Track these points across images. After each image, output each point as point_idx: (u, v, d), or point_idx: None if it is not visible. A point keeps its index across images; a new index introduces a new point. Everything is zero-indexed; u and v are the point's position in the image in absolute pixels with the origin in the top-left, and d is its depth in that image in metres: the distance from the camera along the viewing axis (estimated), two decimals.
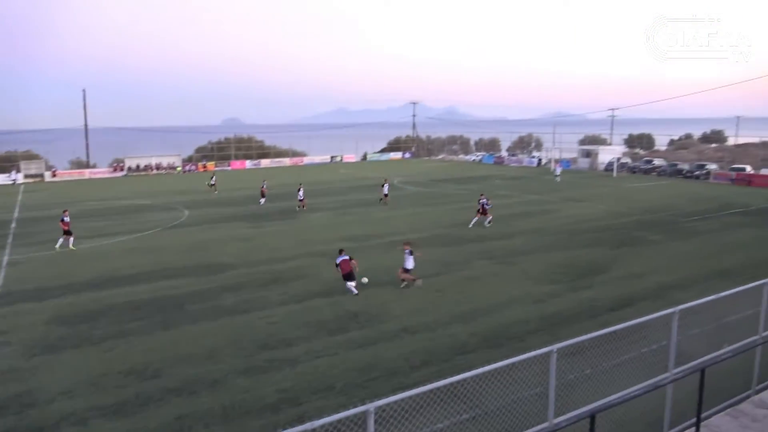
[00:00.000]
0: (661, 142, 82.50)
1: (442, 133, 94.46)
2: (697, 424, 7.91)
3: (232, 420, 10.82)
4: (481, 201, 30.14)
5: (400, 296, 18.00)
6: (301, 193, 35.94)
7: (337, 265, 18.07)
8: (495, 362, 6.92)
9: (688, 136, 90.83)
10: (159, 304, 17.64)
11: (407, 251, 18.89)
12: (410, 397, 6.12)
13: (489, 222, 29.21)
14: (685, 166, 55.14)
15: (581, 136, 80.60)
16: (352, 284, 18.06)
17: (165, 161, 66.85)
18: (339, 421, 5.54)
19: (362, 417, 5.62)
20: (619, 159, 59.57)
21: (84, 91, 67.72)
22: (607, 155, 62.60)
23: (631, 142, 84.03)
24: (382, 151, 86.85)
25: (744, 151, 66.19)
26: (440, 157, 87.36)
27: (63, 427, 10.60)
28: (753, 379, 9.61)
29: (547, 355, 7.15)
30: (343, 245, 24.78)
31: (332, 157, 78.04)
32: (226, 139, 78.69)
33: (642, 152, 77.07)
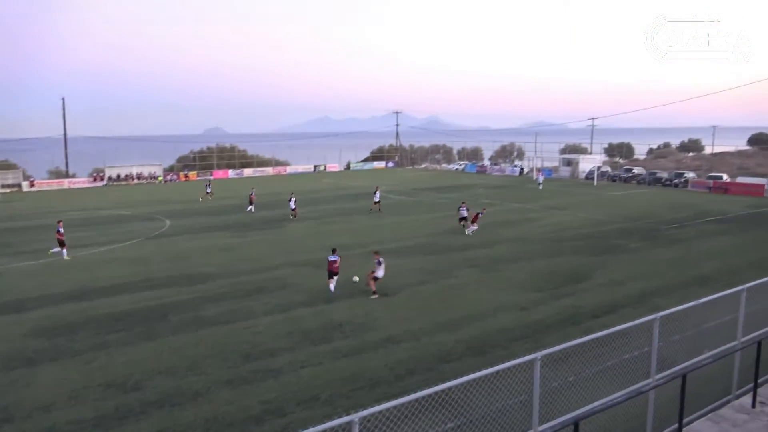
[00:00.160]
0: (640, 151, 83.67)
1: (425, 143, 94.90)
2: (679, 430, 8.00)
3: None
4: (461, 210, 30.51)
5: (384, 305, 17.98)
6: (292, 202, 35.95)
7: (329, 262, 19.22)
8: (480, 370, 6.92)
9: (667, 145, 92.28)
10: (140, 315, 17.39)
11: (378, 260, 18.96)
12: (395, 407, 6.10)
13: (471, 231, 29.37)
14: (664, 175, 56.06)
15: (562, 145, 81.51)
16: (332, 284, 19.06)
17: (146, 171, 66.16)
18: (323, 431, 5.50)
19: (347, 427, 5.59)
20: (599, 168, 60.40)
21: (63, 99, 66.93)
22: (587, 164, 63.45)
23: (611, 150, 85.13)
24: (366, 160, 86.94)
25: (720, 159, 67.50)
26: (423, 166, 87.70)
27: None
28: (733, 384, 9.74)
29: (532, 362, 7.18)
30: (326, 254, 24.73)
31: (315, 167, 77.92)
32: (208, 148, 78.16)
33: (622, 161, 78.11)
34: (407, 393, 6.45)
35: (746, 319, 9.96)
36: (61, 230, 25.74)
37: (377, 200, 37.63)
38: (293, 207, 35.72)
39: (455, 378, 6.75)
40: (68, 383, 12.71)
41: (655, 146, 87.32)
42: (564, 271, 21.84)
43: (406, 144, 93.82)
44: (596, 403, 7.86)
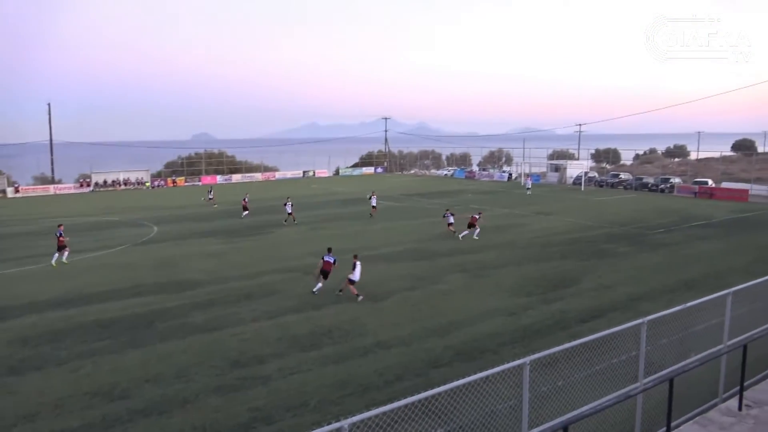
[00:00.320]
0: (626, 157, 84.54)
1: (414, 148, 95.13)
2: None
3: None
4: (446, 216, 30.76)
5: (373, 311, 17.94)
6: (288, 206, 35.97)
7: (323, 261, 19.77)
8: (469, 375, 6.92)
9: (653, 151, 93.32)
10: (127, 322, 17.21)
11: (354, 263, 19.16)
12: (384, 413, 6.08)
13: (463, 235, 29.51)
14: (651, 180, 56.64)
15: (550, 151, 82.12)
16: (320, 283, 19.69)
17: (133, 177, 65.70)
18: None
19: None
20: (586, 173, 60.89)
21: (49, 105, 66.32)
22: (575, 169, 63.96)
23: (598, 156, 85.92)
24: (355, 166, 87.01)
25: (705, 165, 68.34)
26: (412, 172, 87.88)
27: None
28: (719, 387, 9.82)
29: (520, 367, 7.19)
30: (315, 260, 24.64)
31: (304, 172, 77.83)
32: (196, 154, 77.82)
33: (608, 166, 78.83)
34: (397, 399, 6.43)
35: (732, 323, 10.06)
36: (62, 233, 25.71)
37: (374, 205, 38.31)
38: (290, 211, 35.79)
39: (445, 383, 6.74)
40: (53, 392, 12.54)
41: (641, 152, 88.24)
42: (552, 275, 21.95)
43: (394, 150, 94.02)
44: (585, 408, 7.89)
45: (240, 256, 26.65)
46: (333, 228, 33.90)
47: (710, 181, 53.20)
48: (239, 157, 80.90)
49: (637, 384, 8.67)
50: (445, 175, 79.28)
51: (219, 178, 70.93)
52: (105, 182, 63.71)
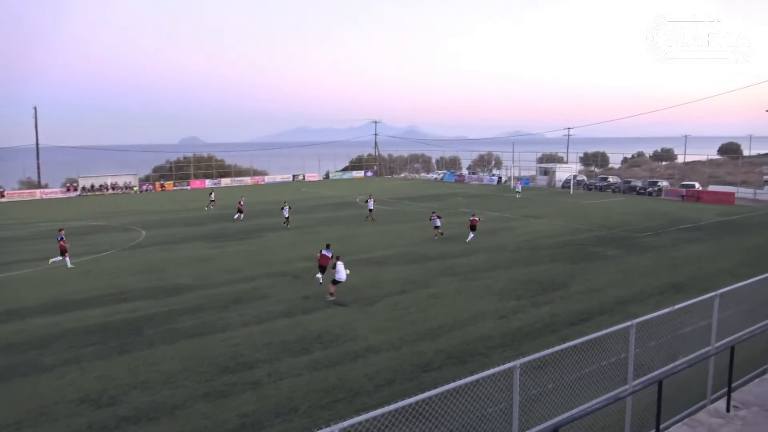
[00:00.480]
0: (614, 160, 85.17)
1: (404, 152, 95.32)
2: None
3: None
4: (433, 218, 30.88)
5: (363, 315, 17.92)
6: (286, 210, 36.04)
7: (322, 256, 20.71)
8: (460, 379, 6.93)
9: (640, 154, 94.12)
10: (115, 328, 17.05)
11: (335, 264, 19.40)
12: (375, 418, 6.06)
13: (470, 239, 29.76)
14: (639, 183, 57.12)
15: (539, 155, 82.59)
16: (320, 276, 20.89)
17: (121, 181, 65.21)
18: None
19: None
20: (575, 176, 61.27)
21: (35, 108, 65.72)
22: (564, 173, 64.35)
23: (587, 160, 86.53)
24: (345, 169, 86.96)
25: (692, 168, 69.01)
26: (402, 175, 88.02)
27: None
28: (708, 389, 9.90)
29: (511, 370, 7.21)
30: (306, 264, 24.67)
31: (294, 176, 77.67)
32: (184, 157, 77.38)
33: (597, 170, 79.41)
34: (388, 403, 6.42)
35: (719, 325, 10.15)
36: (63, 237, 25.80)
37: (371, 208, 38.49)
38: (287, 215, 35.85)
39: (435, 387, 6.74)
40: (39, 399, 12.38)
41: (629, 155, 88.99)
42: (542, 279, 22.05)
43: (384, 153, 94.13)
44: (575, 410, 7.92)
45: (230, 260, 26.51)
46: (323, 232, 33.82)
47: (697, 184, 53.77)
48: (228, 161, 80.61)
49: (627, 386, 8.71)
50: (435, 178, 79.46)
51: (208, 182, 70.59)
52: (92, 186, 63.18)
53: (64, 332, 16.71)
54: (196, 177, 71.97)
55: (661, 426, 8.24)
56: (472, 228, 30.03)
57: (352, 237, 32.20)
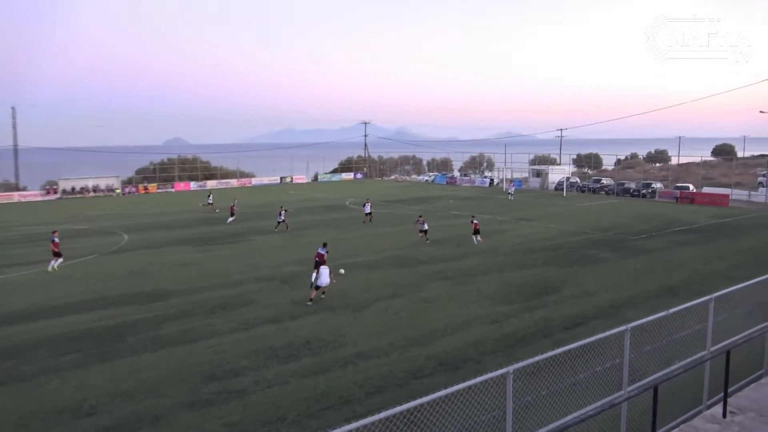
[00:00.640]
0: (608, 162, 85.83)
1: (394, 154, 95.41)
2: None
3: None
4: (419, 222, 30.98)
5: (353, 320, 17.86)
6: (282, 214, 35.98)
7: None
8: (452, 385, 6.91)
9: (634, 156, 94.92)
10: (96, 335, 16.87)
11: (324, 269, 19.78)
12: (365, 426, 6.03)
13: (478, 241, 29.94)
14: (632, 185, 57.54)
15: (531, 156, 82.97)
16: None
17: (103, 183, 64.70)
18: None
19: None
20: (568, 178, 61.63)
21: (13, 108, 65.08)
22: (557, 175, 64.70)
23: (580, 161, 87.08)
24: (334, 171, 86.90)
25: (686, 170, 69.73)
26: (392, 177, 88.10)
27: None
28: (703, 394, 9.96)
29: (504, 376, 7.20)
30: (293, 269, 24.60)
31: (282, 178, 77.47)
32: (169, 159, 76.92)
33: (590, 172, 79.95)
34: (378, 411, 6.39)
35: (715, 329, 10.22)
36: (57, 240, 25.85)
37: (368, 212, 38.67)
38: (282, 218, 35.86)
39: (427, 394, 6.71)
40: (17, 409, 12.20)
41: (622, 157, 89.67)
42: (535, 282, 22.11)
43: (374, 155, 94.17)
44: (569, 417, 7.93)
45: (216, 264, 26.35)
46: (312, 235, 33.70)
47: (691, 186, 54.26)
48: (214, 163, 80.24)
49: (622, 392, 8.74)
50: (426, 180, 79.59)
51: (193, 185, 70.24)
52: (73, 189, 62.62)
53: (43, 340, 16.50)
54: (181, 179, 71.57)
55: None
56: (477, 232, 30.10)
57: (341, 240, 32.13)
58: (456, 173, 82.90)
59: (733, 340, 10.53)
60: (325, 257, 21.69)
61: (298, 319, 17.98)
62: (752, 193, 52.32)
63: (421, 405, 6.56)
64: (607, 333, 8.59)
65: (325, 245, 22.43)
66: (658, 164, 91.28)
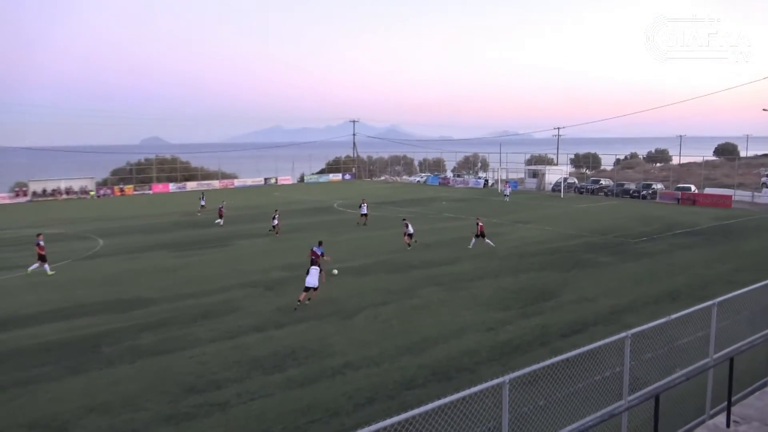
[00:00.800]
0: (607, 162, 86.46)
1: (385, 153, 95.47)
2: None
3: None
4: (406, 224, 30.97)
5: (342, 328, 17.84)
6: (276, 218, 36.01)
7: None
8: (445, 396, 6.91)
9: (634, 156, 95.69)
10: (70, 345, 16.72)
11: (311, 269, 20.07)
12: None
13: (487, 243, 30.04)
14: (632, 186, 57.96)
15: (528, 156, 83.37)
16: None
17: (76, 185, 64.22)
18: None
19: None
20: (566, 179, 61.94)
21: None
22: (554, 175, 65.04)
23: (578, 161, 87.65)
24: (321, 172, 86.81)
25: (687, 170, 70.36)
26: (382, 178, 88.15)
27: None
28: (706, 403, 10.03)
29: (499, 386, 7.21)
30: (280, 274, 24.55)
31: (266, 179, 77.29)
32: (146, 159, 76.51)
33: (588, 172, 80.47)
34: (367, 423, 6.38)
35: (718, 335, 10.30)
36: (41, 243, 25.79)
37: (364, 213, 39.12)
38: (276, 222, 35.84)
39: (419, 405, 6.71)
40: None
41: (622, 157, 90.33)
42: (532, 288, 22.20)
43: (364, 155, 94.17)
44: (568, 428, 7.95)
45: (197, 270, 26.23)
46: (299, 239, 33.66)
47: (693, 187, 54.74)
48: (194, 163, 79.91)
49: (622, 402, 8.78)
50: (418, 181, 79.71)
51: (172, 186, 69.87)
52: (44, 191, 62.09)
53: (13, 351, 16.33)
54: (159, 180, 71.19)
55: None
56: (482, 234, 30.16)
57: (330, 244, 32.00)
58: (449, 174, 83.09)
59: (737, 347, 10.62)
60: (321, 256, 22.74)
61: (284, 327, 17.93)
62: (756, 194, 52.86)
63: (413, 417, 6.55)
64: (607, 340, 8.64)
65: (320, 244, 23.74)
66: (658, 164, 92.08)
